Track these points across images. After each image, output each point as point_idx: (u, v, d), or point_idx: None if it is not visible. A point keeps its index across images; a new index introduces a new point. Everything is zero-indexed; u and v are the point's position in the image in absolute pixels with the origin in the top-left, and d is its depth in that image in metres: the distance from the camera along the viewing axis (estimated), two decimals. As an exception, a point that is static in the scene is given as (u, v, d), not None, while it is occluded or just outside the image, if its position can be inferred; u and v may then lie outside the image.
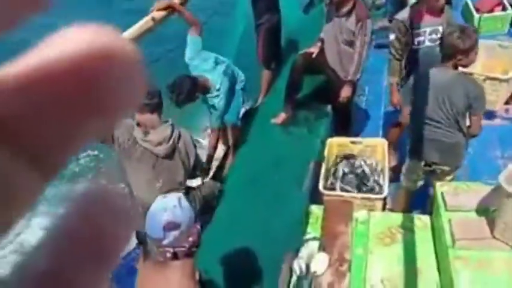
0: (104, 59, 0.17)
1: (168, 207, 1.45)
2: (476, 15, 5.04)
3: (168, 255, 1.44)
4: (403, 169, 3.06)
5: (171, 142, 2.51)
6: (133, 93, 0.18)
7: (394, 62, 3.35)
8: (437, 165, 2.80)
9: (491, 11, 5.34)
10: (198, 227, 1.52)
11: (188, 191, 2.71)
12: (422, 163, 2.84)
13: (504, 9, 5.34)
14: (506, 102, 3.99)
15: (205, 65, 3.34)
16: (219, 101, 3.37)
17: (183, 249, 1.45)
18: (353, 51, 3.47)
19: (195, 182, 2.94)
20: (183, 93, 3.01)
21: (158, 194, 2.55)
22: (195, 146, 2.74)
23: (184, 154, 2.61)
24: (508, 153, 3.46)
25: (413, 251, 2.44)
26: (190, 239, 1.46)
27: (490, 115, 3.95)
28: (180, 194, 1.54)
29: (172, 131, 2.53)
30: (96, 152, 5.38)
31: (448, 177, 2.80)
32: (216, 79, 3.34)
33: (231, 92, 3.48)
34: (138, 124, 2.50)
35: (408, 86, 2.92)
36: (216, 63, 3.39)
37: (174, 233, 1.43)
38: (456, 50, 2.53)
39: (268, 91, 4.09)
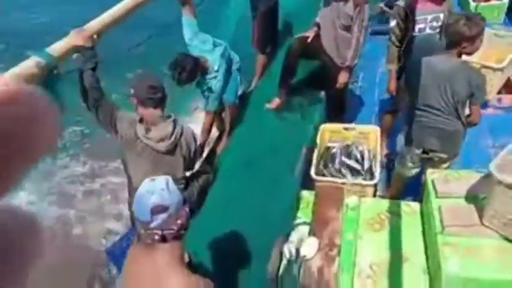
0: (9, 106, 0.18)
1: (156, 190, 1.43)
2: (472, 4, 5.02)
3: (157, 237, 1.43)
4: (398, 156, 3.06)
5: (172, 139, 2.52)
6: (46, 137, 0.20)
7: (393, 48, 3.32)
8: (435, 153, 2.80)
9: (488, 0, 5.32)
10: (187, 209, 1.51)
11: (187, 184, 2.72)
12: (420, 150, 2.84)
13: (500, -2, 5.32)
14: (499, 92, 4.00)
15: (204, 46, 3.33)
16: (216, 83, 3.36)
17: (171, 231, 1.44)
18: (350, 36, 3.44)
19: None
20: (185, 71, 3.04)
21: None
22: (195, 140, 2.75)
23: (185, 150, 2.62)
24: (499, 142, 3.47)
25: (402, 238, 2.45)
26: (179, 221, 1.45)
27: (483, 104, 3.96)
28: (168, 177, 1.51)
29: (174, 127, 2.53)
30: (81, 128, 5.39)
31: (444, 165, 2.80)
32: (214, 60, 3.33)
33: (228, 74, 3.47)
34: (141, 120, 2.50)
35: (407, 73, 2.90)
36: (214, 45, 3.38)
37: (162, 216, 1.42)
38: (462, 37, 2.51)
39: (263, 75, 4.06)
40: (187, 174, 2.78)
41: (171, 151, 2.55)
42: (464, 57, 2.66)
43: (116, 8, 2.53)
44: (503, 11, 5.27)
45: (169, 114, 2.60)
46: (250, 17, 4.24)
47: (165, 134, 2.50)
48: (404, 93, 2.99)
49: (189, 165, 2.72)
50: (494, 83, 3.79)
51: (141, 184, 2.53)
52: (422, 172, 2.97)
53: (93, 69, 2.46)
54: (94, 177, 5.03)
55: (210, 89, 3.36)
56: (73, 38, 2.33)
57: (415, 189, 3.04)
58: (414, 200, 2.79)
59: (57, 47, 2.20)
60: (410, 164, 2.95)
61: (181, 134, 2.58)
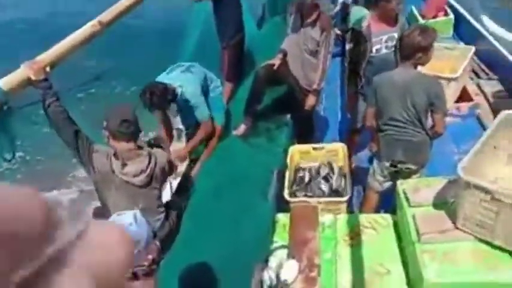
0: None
1: (124, 226, 1.36)
2: (421, 21, 5.26)
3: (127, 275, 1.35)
4: (370, 170, 3.08)
5: (147, 172, 2.52)
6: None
7: (351, 71, 3.41)
8: (404, 164, 2.82)
9: (435, 16, 5.60)
10: (158, 243, 1.44)
11: (167, 215, 2.69)
12: (389, 163, 2.87)
13: (446, 14, 5.61)
14: (457, 101, 4.14)
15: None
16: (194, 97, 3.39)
17: (142, 267, 1.37)
18: (316, 61, 3.51)
19: (165, 196, 2.90)
20: (155, 95, 3.04)
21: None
22: (172, 169, 2.79)
23: (160, 179, 2.63)
24: (462, 148, 3.57)
25: (380, 251, 2.45)
26: (150, 256, 1.38)
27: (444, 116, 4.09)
28: (136, 211, 1.45)
29: (149, 161, 2.54)
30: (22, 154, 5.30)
31: (414, 176, 2.83)
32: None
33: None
34: (116, 155, 2.48)
35: (370, 90, 2.96)
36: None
37: None
38: (417, 48, 2.59)
39: (229, 103, 4.07)
40: (164, 199, 2.79)
41: (146, 184, 2.55)
42: (419, 68, 2.75)
43: (70, 39, 2.50)
44: (450, 26, 5.56)
45: (142, 145, 2.60)
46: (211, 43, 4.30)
47: (140, 169, 2.50)
48: (368, 108, 3.04)
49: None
50: (451, 92, 3.93)
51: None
52: (394, 184, 3.00)
53: (57, 99, 2.41)
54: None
55: (191, 103, 3.36)
56: (24, 71, 2.27)
57: (388, 201, 3.05)
58: (389, 211, 2.80)
59: (7, 81, 2.13)
60: (381, 178, 2.98)
61: (156, 165, 2.57)
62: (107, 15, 2.68)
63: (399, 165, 2.85)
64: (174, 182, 3.83)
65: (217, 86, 3.70)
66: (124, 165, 2.48)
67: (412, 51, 2.61)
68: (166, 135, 3.83)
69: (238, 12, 4.16)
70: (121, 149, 2.48)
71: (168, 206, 2.76)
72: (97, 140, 2.56)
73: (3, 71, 2.22)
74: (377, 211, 3.00)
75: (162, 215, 2.64)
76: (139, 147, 2.57)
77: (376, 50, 3.28)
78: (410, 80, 2.65)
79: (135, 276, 1.37)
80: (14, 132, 2.24)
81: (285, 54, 3.61)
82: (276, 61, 3.57)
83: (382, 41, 3.23)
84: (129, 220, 1.37)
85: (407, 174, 2.83)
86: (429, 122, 2.77)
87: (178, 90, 3.23)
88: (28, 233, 0.23)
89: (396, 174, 2.87)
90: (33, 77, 2.29)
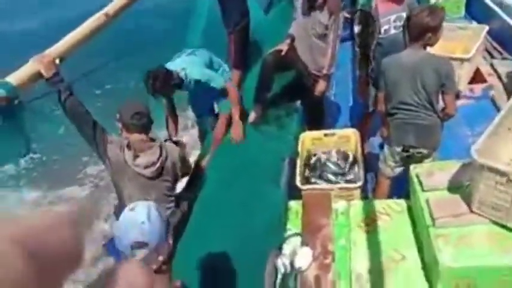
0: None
1: (136, 224, 1.35)
2: (433, 0, 5.14)
3: None
4: (381, 156, 3.06)
5: (158, 165, 2.60)
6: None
7: (359, 54, 3.36)
8: (415, 149, 2.80)
9: (447, -4, 5.46)
10: (170, 241, 1.43)
11: (178, 203, 2.78)
12: (400, 148, 2.84)
13: (458, -7, 5.48)
14: (470, 82, 4.07)
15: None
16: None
17: (153, 267, 1.37)
18: (325, 45, 3.46)
19: (179, 186, 2.95)
20: (158, 80, 3.03)
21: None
22: (184, 160, 2.83)
23: (172, 173, 2.71)
24: (476, 131, 3.51)
25: (395, 236, 2.43)
26: (160, 258, 1.37)
27: (455, 97, 4.02)
28: (150, 205, 1.43)
29: (160, 153, 2.62)
30: (38, 155, 5.51)
31: (427, 160, 2.79)
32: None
33: None
34: (129, 146, 2.56)
35: (379, 73, 2.91)
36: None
37: (143, 251, 1.35)
38: (426, 28, 2.54)
39: (239, 90, 4.06)
40: (178, 190, 2.88)
41: (157, 176, 2.63)
42: (428, 49, 2.70)
43: (77, 32, 2.51)
44: (462, 5, 5.43)
45: (154, 137, 2.68)
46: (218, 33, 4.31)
47: (151, 161, 2.58)
48: (379, 92, 3.00)
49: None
50: (464, 73, 3.86)
51: (128, 201, 2.61)
52: (406, 170, 2.97)
53: (71, 93, 2.44)
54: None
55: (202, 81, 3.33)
56: (34, 65, 2.29)
57: (401, 186, 3.03)
58: (401, 197, 2.78)
59: (17, 75, 2.15)
60: (392, 164, 2.95)
61: (167, 158, 2.65)
62: (113, 7, 2.68)
63: (411, 150, 2.82)
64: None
65: (225, 71, 3.70)
66: (136, 156, 2.55)
67: (421, 31, 2.56)
68: (173, 124, 3.84)
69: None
70: (134, 140, 2.55)
71: (179, 196, 2.80)
72: (111, 131, 2.63)
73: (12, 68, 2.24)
74: (390, 197, 2.98)
75: (173, 204, 2.72)
76: (152, 139, 2.64)
77: (385, 30, 3.22)
78: (419, 61, 2.60)
79: None
80: (27, 126, 2.27)
81: (292, 39, 3.57)
82: (284, 46, 3.53)
83: (391, 21, 3.17)
84: (141, 218, 1.36)
85: (420, 159, 2.80)
86: (440, 104, 2.73)
87: (182, 74, 3.21)
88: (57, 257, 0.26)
89: (408, 159, 2.84)
90: (44, 73, 2.31)
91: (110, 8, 2.68)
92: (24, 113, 2.23)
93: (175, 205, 2.75)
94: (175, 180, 2.80)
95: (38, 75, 2.31)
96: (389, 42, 3.20)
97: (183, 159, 2.83)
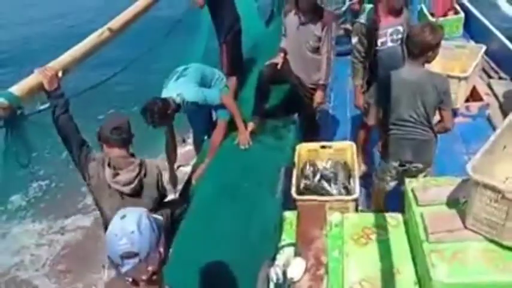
0: None
1: (126, 233, 1.33)
2: (431, 19, 5.22)
3: (128, 282, 1.35)
4: (376, 170, 3.07)
5: (136, 182, 2.62)
6: None
7: (357, 65, 3.39)
8: (412, 164, 2.82)
9: (445, 15, 5.55)
10: (161, 250, 1.41)
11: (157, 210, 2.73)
12: (397, 163, 2.86)
13: (456, 13, 5.56)
14: (467, 100, 4.11)
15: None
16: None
17: (141, 279, 1.36)
18: (319, 57, 3.49)
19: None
20: (155, 113, 3.05)
21: None
22: (160, 175, 2.80)
23: (151, 189, 2.71)
24: (472, 149, 3.54)
25: (389, 250, 2.42)
26: (150, 268, 1.35)
27: (452, 113, 4.06)
28: (141, 213, 1.41)
29: (140, 171, 2.64)
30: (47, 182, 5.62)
31: (421, 175, 2.82)
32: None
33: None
34: (109, 164, 2.57)
35: (375, 88, 2.93)
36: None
37: (133, 261, 1.33)
38: (428, 46, 2.57)
39: (236, 98, 4.07)
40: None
41: (136, 193, 2.64)
42: (426, 65, 2.73)
43: (81, 45, 2.53)
44: (460, 24, 5.51)
45: (133, 153, 2.70)
46: (217, 44, 4.35)
47: (130, 179, 2.60)
48: (372, 107, 3.02)
49: (157, 200, 2.78)
50: (461, 91, 3.90)
51: (110, 216, 2.61)
52: (401, 183, 2.98)
53: (66, 110, 2.45)
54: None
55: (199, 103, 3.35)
56: (37, 77, 2.29)
57: (395, 200, 3.04)
58: (396, 211, 2.79)
59: (20, 87, 2.16)
60: (388, 178, 2.97)
61: (146, 174, 2.66)
62: (116, 22, 2.70)
63: (407, 165, 2.84)
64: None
65: (220, 78, 3.70)
66: (116, 174, 2.57)
67: (422, 49, 2.58)
68: (172, 147, 3.85)
69: (231, 6, 4.22)
70: (113, 156, 2.59)
71: (162, 205, 2.82)
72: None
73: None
74: (384, 210, 2.98)
75: None
76: (132, 155, 2.67)
77: (382, 43, 3.24)
78: (420, 79, 2.63)
79: (136, 283, 1.37)
80: (28, 137, 2.27)
81: (285, 53, 3.61)
82: (279, 60, 3.59)
83: (387, 34, 3.20)
84: (131, 227, 1.34)
85: (416, 173, 2.82)
86: (435, 118, 2.76)
87: (178, 99, 3.22)
88: None
89: (404, 173, 2.86)
90: (46, 86, 2.32)
91: (114, 23, 2.71)
92: (27, 124, 2.24)
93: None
94: (158, 198, 2.78)
95: (41, 87, 2.32)
96: (386, 55, 3.22)
97: (161, 176, 2.81)
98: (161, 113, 3.07)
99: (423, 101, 2.64)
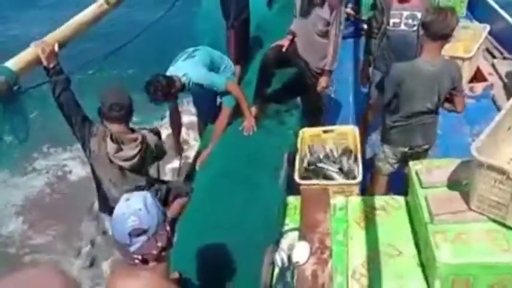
0: None
1: (133, 212, 1.34)
2: (435, 0, 5.13)
3: (137, 261, 1.36)
4: (380, 154, 3.06)
5: (137, 158, 2.62)
6: None
7: (370, 40, 3.36)
8: (420, 147, 2.86)
9: (449, -5, 5.45)
10: (168, 228, 1.43)
11: (156, 191, 2.78)
12: (407, 148, 2.88)
13: (461, -8, 5.47)
14: (471, 81, 4.07)
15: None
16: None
17: (151, 255, 1.37)
18: (327, 41, 3.44)
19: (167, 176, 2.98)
20: (158, 90, 3.02)
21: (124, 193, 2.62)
22: (161, 147, 2.83)
23: (147, 163, 2.74)
24: (476, 130, 3.52)
25: (392, 232, 2.43)
26: (159, 244, 1.37)
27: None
28: (146, 194, 1.43)
29: (142, 147, 2.63)
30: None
31: (426, 155, 2.89)
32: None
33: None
34: (112, 139, 2.56)
35: (387, 81, 2.82)
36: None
37: (142, 239, 1.34)
38: (452, 29, 2.55)
39: (239, 84, 4.05)
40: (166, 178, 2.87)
41: (135, 168, 2.66)
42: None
43: (78, 18, 2.49)
44: (464, 5, 5.42)
45: (132, 128, 2.68)
46: (224, 27, 4.29)
47: (131, 155, 2.60)
48: (375, 93, 3.00)
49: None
50: (465, 72, 3.86)
51: (110, 191, 2.68)
52: (403, 166, 2.99)
53: (67, 87, 2.44)
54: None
55: (204, 86, 3.33)
56: (35, 50, 2.27)
57: (397, 182, 3.05)
58: (398, 193, 2.79)
59: (17, 61, 2.13)
60: (393, 161, 2.97)
61: (147, 148, 2.67)
62: None
63: (416, 149, 2.87)
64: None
65: (229, 66, 3.68)
66: (119, 149, 2.57)
67: (447, 34, 2.55)
68: (174, 126, 3.85)
69: None
70: (115, 131, 2.57)
71: (160, 182, 2.87)
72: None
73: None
74: (387, 193, 3.00)
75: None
76: (133, 130, 2.66)
77: (394, 23, 3.18)
78: (439, 70, 2.61)
79: (145, 261, 1.38)
80: (26, 112, 2.25)
81: (293, 36, 3.56)
82: (285, 42, 3.51)
83: (403, 16, 3.13)
84: (138, 205, 1.35)
85: (421, 155, 2.87)
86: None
87: (184, 79, 3.20)
88: None
89: (410, 157, 2.87)
90: (44, 61, 2.30)
91: None
92: (24, 98, 2.22)
93: (155, 192, 2.76)
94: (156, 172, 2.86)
95: (38, 62, 2.29)
96: (398, 37, 3.16)
97: (159, 145, 2.83)
98: (164, 91, 3.05)
99: (439, 90, 2.64)
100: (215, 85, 3.33)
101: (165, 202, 2.80)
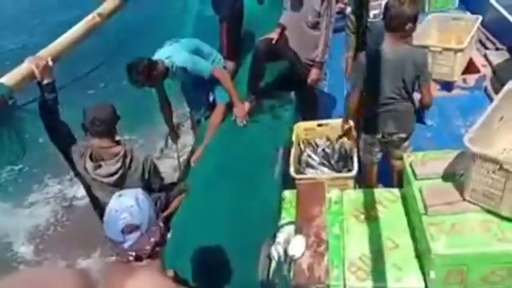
0: None
1: (125, 208, 1.34)
2: (427, -9, 5.14)
3: (131, 258, 1.36)
4: (360, 145, 3.06)
5: (119, 173, 2.54)
6: None
7: (351, 36, 3.35)
8: (395, 135, 2.86)
9: (441, -14, 5.46)
10: (161, 224, 1.43)
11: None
12: (380, 135, 2.88)
13: (452, -17, 5.47)
14: (463, 72, 4.08)
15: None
16: None
17: (145, 251, 1.37)
18: (318, 33, 3.44)
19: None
20: (139, 73, 2.96)
21: None
22: (148, 168, 2.67)
23: (134, 181, 2.59)
24: (469, 121, 3.53)
25: (388, 225, 2.45)
26: (152, 239, 1.37)
27: (449, 86, 4.04)
28: (137, 191, 1.43)
29: (124, 162, 2.55)
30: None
31: (405, 144, 2.89)
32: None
33: None
34: (91, 156, 2.52)
35: (358, 67, 2.82)
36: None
37: (135, 235, 1.35)
38: (407, 18, 2.53)
39: (232, 81, 4.03)
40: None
41: (119, 184, 2.55)
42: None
43: (71, 32, 2.50)
44: (456, -4, 5.43)
45: (118, 140, 2.61)
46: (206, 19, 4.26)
47: (112, 171, 2.54)
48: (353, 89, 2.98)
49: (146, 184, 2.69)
50: (457, 64, 3.87)
51: (104, 205, 2.59)
52: (388, 156, 3.03)
53: (55, 110, 2.42)
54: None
55: (188, 69, 3.27)
56: (28, 66, 2.26)
57: (387, 174, 3.08)
58: (390, 184, 2.80)
59: (11, 77, 2.13)
60: (375, 150, 2.99)
61: (131, 164, 2.57)
62: (106, 7, 2.66)
63: (389, 137, 2.88)
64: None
65: (217, 60, 3.62)
66: (98, 166, 2.52)
67: (403, 21, 2.53)
68: (165, 113, 3.80)
69: None
70: (95, 146, 2.53)
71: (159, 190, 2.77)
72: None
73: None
74: (377, 183, 3.04)
75: None
76: (117, 143, 2.59)
77: (374, 15, 3.19)
78: (401, 57, 2.62)
79: (138, 258, 1.38)
80: (21, 127, 2.25)
81: (283, 29, 3.54)
82: (275, 35, 3.50)
83: (382, 6, 3.14)
84: (130, 202, 1.36)
85: (399, 143, 2.88)
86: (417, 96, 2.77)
87: (167, 62, 3.15)
88: None
89: (387, 144, 2.92)
90: (38, 77, 2.28)
91: (102, 8, 2.67)
92: (20, 114, 2.22)
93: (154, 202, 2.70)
94: (146, 186, 2.66)
95: (32, 77, 2.29)
96: (379, 29, 3.16)
97: (154, 169, 2.70)
98: (146, 73, 2.98)
99: (404, 77, 2.64)
100: (200, 69, 3.26)
101: (165, 207, 2.78)
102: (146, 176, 2.63)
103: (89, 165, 2.52)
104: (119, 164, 2.53)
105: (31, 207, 5.35)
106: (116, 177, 2.54)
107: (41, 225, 5.08)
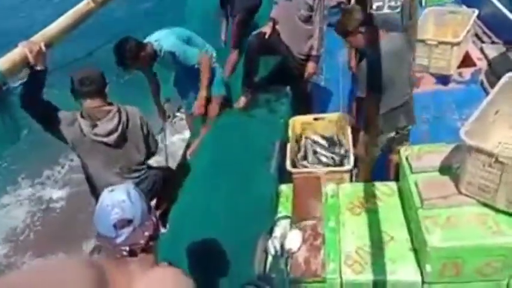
0: None
1: (116, 203, 1.33)
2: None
3: (124, 253, 1.35)
4: (361, 142, 3.05)
5: (119, 130, 2.50)
6: None
7: None
8: (406, 128, 2.88)
9: (437, -20, 5.44)
10: (154, 218, 1.41)
11: (148, 174, 2.73)
12: (393, 133, 2.87)
13: (448, -23, 5.46)
14: (459, 66, 4.08)
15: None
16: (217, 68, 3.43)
17: (139, 246, 1.36)
18: (311, 27, 3.42)
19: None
20: (126, 55, 2.93)
21: (117, 176, 2.56)
22: (145, 124, 2.66)
23: (136, 137, 2.60)
24: (465, 114, 3.53)
25: (384, 218, 2.45)
26: (146, 233, 1.35)
27: (445, 80, 4.04)
28: (128, 185, 1.41)
29: (120, 118, 2.51)
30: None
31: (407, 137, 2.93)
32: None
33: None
34: (83, 116, 2.45)
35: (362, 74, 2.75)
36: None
37: (127, 230, 1.33)
38: (348, 30, 2.61)
39: (233, 72, 3.99)
40: (148, 162, 2.77)
41: (120, 143, 2.54)
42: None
43: (65, 17, 2.46)
44: (453, -11, 5.42)
45: (110, 102, 2.55)
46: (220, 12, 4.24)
47: (111, 128, 2.48)
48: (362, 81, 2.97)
49: (145, 150, 2.67)
50: (453, 57, 3.87)
51: (101, 176, 2.57)
52: (387, 151, 3.03)
53: (40, 95, 2.36)
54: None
55: (176, 55, 3.23)
56: (22, 50, 2.23)
57: (383, 169, 3.09)
58: (386, 178, 2.80)
59: (3, 61, 2.10)
60: (377, 148, 2.97)
61: (128, 122, 2.55)
62: None
63: (401, 131, 2.89)
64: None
65: (209, 52, 3.55)
66: (94, 126, 2.46)
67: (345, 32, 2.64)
68: (153, 85, 3.73)
69: None
70: (87, 107, 2.47)
71: (152, 167, 2.79)
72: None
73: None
74: (372, 179, 3.02)
75: (142, 173, 2.67)
76: (109, 103, 2.54)
77: (377, 7, 3.17)
78: (403, 45, 2.65)
79: (132, 253, 1.37)
80: (16, 112, 2.22)
81: (275, 23, 3.53)
82: (267, 29, 3.49)
83: None
84: (121, 197, 1.34)
85: (407, 137, 2.92)
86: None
87: (155, 45, 3.12)
88: None
89: (394, 140, 2.92)
90: (32, 62, 2.24)
91: None
92: (13, 99, 2.19)
93: (145, 175, 2.70)
94: (146, 149, 2.68)
95: (26, 62, 2.26)
96: (380, 21, 3.15)
97: (145, 123, 2.67)
98: (133, 53, 2.95)
99: (408, 63, 2.68)
100: (187, 55, 3.23)
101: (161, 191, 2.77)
102: (145, 131, 2.63)
103: (85, 126, 2.44)
104: (115, 120, 2.49)
105: (5, 208, 5.33)
106: (116, 135, 2.49)
107: (18, 226, 5.04)
